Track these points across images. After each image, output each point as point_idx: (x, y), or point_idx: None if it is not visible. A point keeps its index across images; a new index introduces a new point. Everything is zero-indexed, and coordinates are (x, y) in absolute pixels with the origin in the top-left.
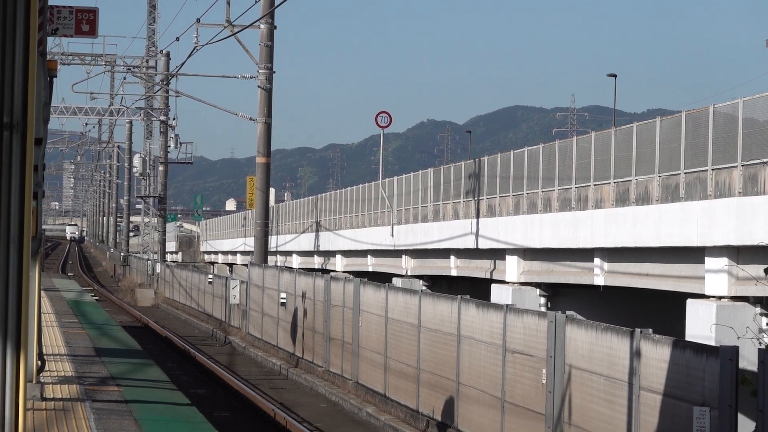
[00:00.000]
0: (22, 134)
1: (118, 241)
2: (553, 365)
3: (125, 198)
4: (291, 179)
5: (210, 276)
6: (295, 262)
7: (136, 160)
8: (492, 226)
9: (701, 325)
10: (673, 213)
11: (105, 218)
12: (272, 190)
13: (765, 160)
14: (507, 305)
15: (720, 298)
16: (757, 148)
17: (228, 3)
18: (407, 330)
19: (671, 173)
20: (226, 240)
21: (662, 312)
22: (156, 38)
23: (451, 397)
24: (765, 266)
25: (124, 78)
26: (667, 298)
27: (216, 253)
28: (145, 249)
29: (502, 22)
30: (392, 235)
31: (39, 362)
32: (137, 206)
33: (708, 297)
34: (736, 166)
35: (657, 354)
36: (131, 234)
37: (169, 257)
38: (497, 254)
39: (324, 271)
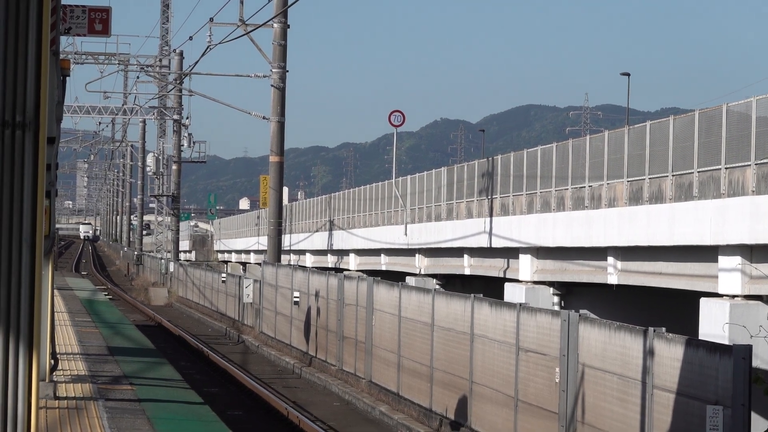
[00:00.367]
0: (35, 133)
1: (131, 240)
2: (567, 364)
3: (139, 197)
4: (304, 178)
5: (223, 275)
6: (309, 260)
7: (150, 159)
8: (505, 225)
9: (714, 323)
10: (687, 212)
11: (118, 217)
12: (285, 189)
13: None
14: (520, 304)
15: (733, 296)
16: None
17: (241, 2)
18: (420, 329)
19: (684, 172)
20: (240, 239)
21: (675, 311)
22: (169, 37)
23: (464, 396)
24: None
25: (138, 77)
26: (681, 297)
27: (229, 252)
28: (159, 248)
29: (516, 20)
30: (405, 234)
31: (52, 361)
32: (151, 205)
33: (721, 296)
34: (750, 165)
35: (670, 353)
36: (144, 233)
37: (182, 256)
38: (510, 253)
39: (337, 270)
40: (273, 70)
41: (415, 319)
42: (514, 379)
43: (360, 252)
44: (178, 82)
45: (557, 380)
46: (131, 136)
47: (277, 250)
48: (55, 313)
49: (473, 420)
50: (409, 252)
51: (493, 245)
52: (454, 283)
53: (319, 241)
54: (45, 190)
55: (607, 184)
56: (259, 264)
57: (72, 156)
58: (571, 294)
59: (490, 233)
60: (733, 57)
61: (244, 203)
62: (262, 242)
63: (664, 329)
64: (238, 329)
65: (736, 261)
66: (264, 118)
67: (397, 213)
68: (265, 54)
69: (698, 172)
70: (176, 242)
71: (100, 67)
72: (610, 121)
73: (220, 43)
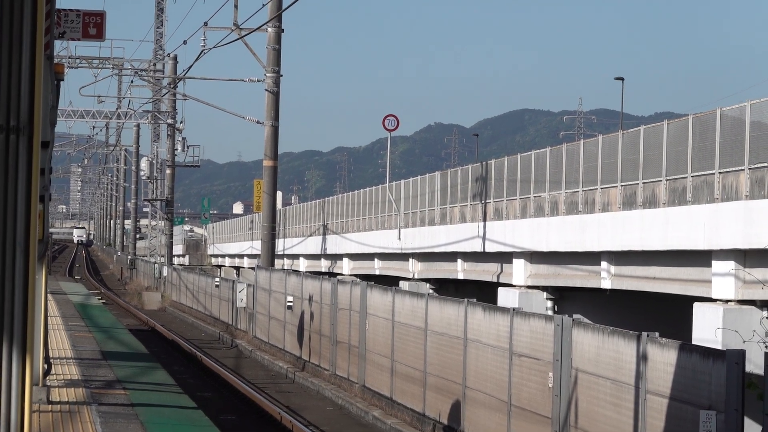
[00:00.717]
0: (29, 137)
1: (125, 244)
2: (560, 369)
3: (132, 201)
4: (298, 182)
5: (217, 279)
6: (302, 265)
7: (144, 164)
8: (499, 230)
9: (708, 328)
10: (680, 216)
11: (112, 221)
12: (279, 194)
13: None
14: (514, 309)
15: (727, 301)
16: (765, 152)
17: (235, 6)
18: (414, 333)
19: (678, 176)
20: (233, 243)
21: (669, 315)
22: (163, 41)
23: (457, 401)
24: None
25: (132, 81)
26: (674, 302)
27: (223, 256)
28: (152, 252)
29: (509, 25)
30: (399, 239)
31: (45, 365)
32: (144, 209)
33: (715, 300)
34: (744, 170)
35: (664, 357)
36: (137, 236)
37: (176, 260)
38: (504, 257)
39: (331, 275)
40: (267, 75)
41: (409, 324)
42: (508, 383)
43: (353, 256)
44: (172, 86)
45: (550, 385)
46: (125, 140)
47: (270, 255)
48: (49, 318)
49: (466, 425)
50: (403, 256)
51: (487, 250)
52: (447, 288)
53: (312, 245)
54: (39, 194)
55: (601, 188)
56: (253, 268)
57: (66, 160)
58: (564, 299)
59: (484, 238)
60: (727, 62)
61: (237, 207)
62: (256, 246)
63: (657, 334)
64: (232, 333)
65: (729, 266)
66: (258, 122)
67: (391, 217)
68: (259, 58)
69: (692, 176)
70: (170, 246)
71: (94, 72)
72: (604, 126)
73: (214, 47)
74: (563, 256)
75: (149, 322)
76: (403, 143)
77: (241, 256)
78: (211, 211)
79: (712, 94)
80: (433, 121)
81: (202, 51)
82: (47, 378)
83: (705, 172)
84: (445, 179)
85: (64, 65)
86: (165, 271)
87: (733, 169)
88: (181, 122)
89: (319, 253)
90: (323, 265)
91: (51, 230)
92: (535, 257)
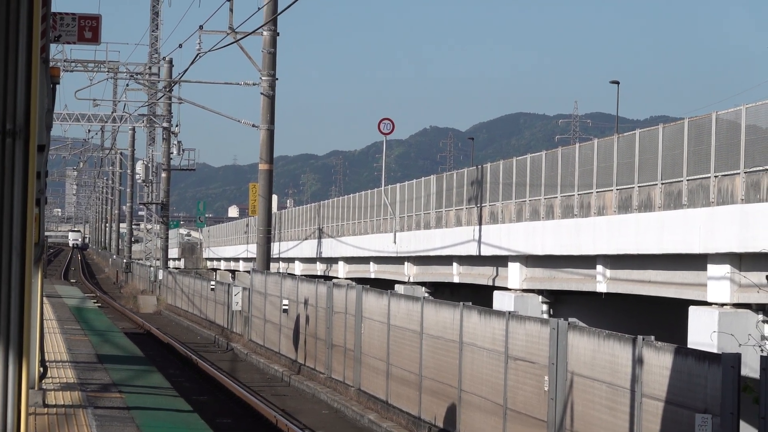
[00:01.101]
0: (25, 141)
1: (120, 247)
2: (555, 372)
3: (128, 205)
4: (294, 186)
5: (212, 283)
6: (298, 268)
7: (139, 167)
8: (494, 233)
9: (703, 332)
10: (676, 220)
11: (107, 225)
12: (275, 197)
13: (767, 167)
14: (509, 312)
15: (722, 305)
16: (760, 155)
17: (231, 10)
18: (409, 337)
19: (674, 180)
20: (229, 247)
21: (664, 319)
22: (159, 45)
23: (453, 404)
24: (767, 273)
25: (127, 85)
26: (670, 305)
27: (218, 259)
28: (148, 256)
29: (505, 28)
30: (395, 242)
31: (41, 369)
32: (140, 213)
33: (710, 304)
34: (739, 173)
35: (659, 361)
36: (133, 240)
37: (171, 264)
38: (500, 261)
39: (326, 278)
40: (262, 78)
41: (404, 327)
42: (503, 387)
43: (349, 260)
44: (167, 89)
45: (546, 388)
46: (120, 143)
47: (266, 258)
48: (44, 321)
49: (462, 428)
50: (398, 260)
51: (482, 253)
52: (443, 291)
53: (308, 249)
54: (35, 198)
55: (597, 192)
56: (248, 272)
57: (61, 163)
58: (560, 302)
59: (479, 241)
60: (725, 64)
61: (233, 211)
62: (251, 250)
63: (653, 337)
64: (227, 337)
65: (725, 269)
66: (253, 125)
67: (386, 221)
68: (254, 62)
69: (687, 180)
70: (165, 250)
71: (90, 75)
72: (599, 129)
73: (209, 50)
74: (559, 260)
75: (145, 325)
76: (399, 147)
77: (236, 260)
78: (206, 215)
79: (708, 98)
80: (429, 125)
81: (197, 54)
82: (43, 381)
83: (700, 176)
84: (440, 183)
85: (59, 69)
86: (160, 274)
87: (729, 172)
88: (177, 126)
89: (314, 256)
90: (319, 268)
91: (46, 234)
92: (530, 261)
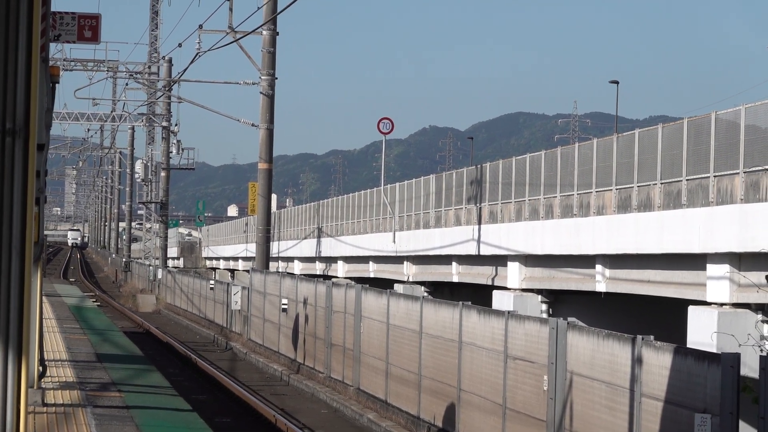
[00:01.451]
0: (25, 140)
1: (119, 246)
2: (555, 372)
3: (127, 204)
4: (293, 185)
5: (211, 282)
6: (297, 268)
7: (138, 166)
8: (494, 233)
9: (703, 332)
10: (675, 220)
11: (107, 224)
12: (274, 196)
13: (767, 166)
14: (508, 312)
15: (721, 305)
16: (759, 155)
17: (230, 9)
18: (409, 336)
19: (673, 180)
20: (228, 246)
21: (664, 319)
22: (158, 44)
23: (452, 404)
24: (767, 273)
25: (127, 84)
26: (669, 305)
27: (218, 258)
28: (147, 255)
29: (504, 28)
30: (394, 242)
31: (40, 368)
32: (139, 212)
33: (709, 304)
34: (738, 173)
35: (658, 361)
36: (132, 239)
37: (170, 263)
38: (499, 261)
39: (326, 277)
40: (262, 78)
41: (404, 327)
42: (503, 386)
43: (348, 259)
44: (166, 89)
45: (545, 388)
46: (120, 143)
47: (265, 257)
48: (44, 320)
49: (461, 428)
50: (398, 259)
51: (482, 253)
52: (442, 291)
53: (307, 248)
54: (34, 197)
55: (596, 192)
56: (248, 271)
57: (60, 162)
58: (559, 302)
59: (479, 241)
60: (723, 65)
61: (232, 210)
62: (251, 249)
63: (652, 337)
64: (226, 336)
65: (724, 269)
66: (253, 125)
67: (386, 220)
68: (254, 61)
69: (687, 180)
70: (164, 249)
71: (89, 74)
72: (598, 129)
73: (209, 50)
74: (558, 260)
75: (144, 324)
76: (398, 146)
77: (235, 259)
78: (205, 214)
79: (707, 97)
80: (428, 124)
81: (197, 54)
82: (42, 380)
83: (700, 176)
84: (439, 182)
85: (59, 68)
86: (160, 273)
87: (728, 172)
88: (176, 125)
89: (313, 255)
90: (318, 267)
91: (46, 233)
92: (530, 260)
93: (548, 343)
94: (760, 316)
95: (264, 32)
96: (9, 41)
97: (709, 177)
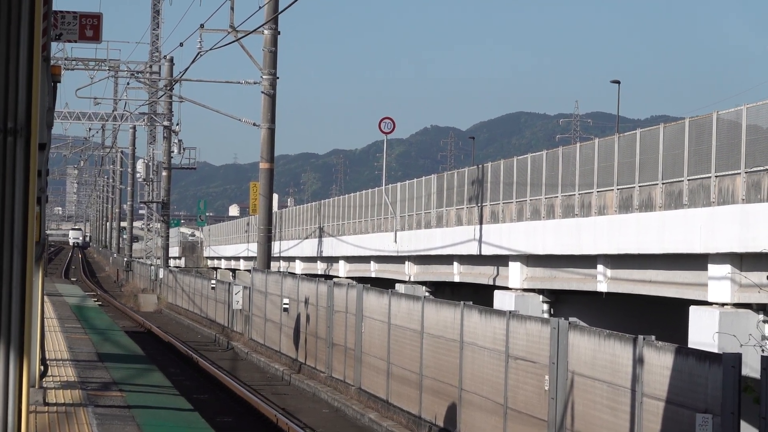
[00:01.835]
0: (26, 139)
1: (121, 246)
2: (556, 372)
3: (128, 203)
4: (294, 185)
5: (213, 281)
6: (298, 267)
7: (140, 166)
8: (495, 233)
9: (704, 332)
10: (677, 220)
11: (108, 223)
12: (275, 196)
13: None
14: (510, 312)
15: (723, 305)
16: (761, 155)
17: (232, 9)
18: (410, 336)
19: (674, 180)
20: (229, 245)
21: (665, 319)
22: (160, 44)
23: (453, 404)
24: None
25: (128, 83)
26: (670, 305)
27: (219, 258)
28: (148, 254)
29: (505, 28)
30: (395, 241)
31: (42, 367)
32: (140, 212)
33: (711, 304)
34: (740, 173)
35: (660, 361)
36: (133, 239)
37: (172, 263)
38: (500, 260)
39: (327, 277)
40: (263, 77)
41: (405, 327)
42: (504, 386)
43: (349, 259)
44: (168, 88)
45: (546, 388)
46: (121, 142)
47: (266, 257)
48: (45, 320)
49: (462, 427)
50: (399, 259)
51: (483, 253)
52: (443, 291)
53: (308, 248)
54: (36, 196)
55: (597, 191)
56: (249, 271)
57: (62, 162)
58: (560, 302)
59: (480, 241)
60: (724, 65)
61: (233, 210)
62: (252, 249)
63: (653, 337)
64: (228, 336)
65: (725, 269)
66: (254, 124)
67: (387, 220)
68: (255, 60)
69: (688, 180)
70: (166, 249)
71: (91, 73)
72: (600, 129)
73: (210, 49)
74: (559, 259)
75: (145, 324)
76: (400, 146)
77: (237, 259)
78: (207, 214)
79: (709, 97)
80: (430, 124)
81: (198, 53)
82: (44, 380)
83: (701, 176)
84: (441, 182)
85: (60, 67)
86: (161, 273)
87: (730, 172)
88: (177, 124)
89: (315, 255)
90: (319, 267)
91: (47, 232)
92: (531, 260)
93: (549, 343)
94: (761, 317)
95: (265, 31)
96: (10, 40)
97: (710, 177)
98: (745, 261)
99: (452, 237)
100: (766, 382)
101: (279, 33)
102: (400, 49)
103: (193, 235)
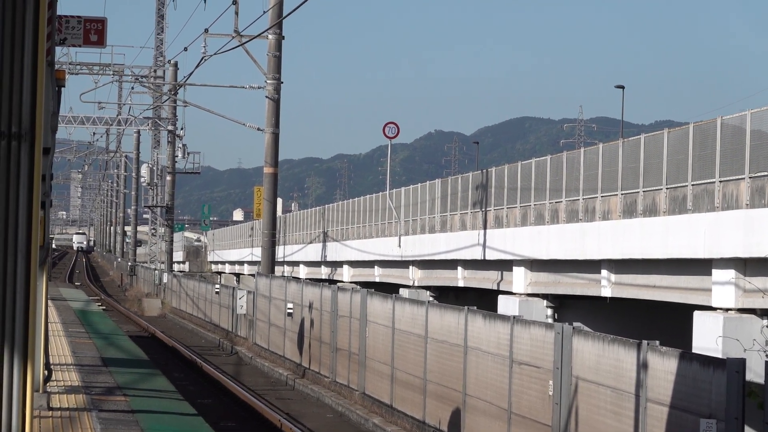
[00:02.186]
0: (30, 144)
1: (125, 250)
2: (560, 377)
3: (133, 208)
4: (298, 189)
5: (217, 286)
6: (302, 272)
7: (144, 170)
8: (499, 238)
9: (708, 337)
10: (681, 225)
11: (112, 228)
12: (279, 201)
13: None
14: (514, 317)
15: (727, 310)
16: (765, 161)
17: (236, 13)
18: (414, 341)
19: (679, 185)
20: (234, 250)
21: (669, 324)
22: (164, 48)
23: (457, 409)
24: None
25: (132, 88)
26: (674, 310)
27: (223, 263)
28: (152, 259)
29: (510, 33)
30: (399, 246)
31: (46, 372)
32: (144, 216)
33: (715, 309)
34: (744, 178)
35: (664, 366)
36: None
37: (176, 267)
38: (504, 265)
39: (331, 282)
40: (268, 82)
41: (409, 331)
42: (508, 391)
43: (353, 264)
44: (172, 92)
45: (551, 393)
46: (125, 146)
47: (270, 262)
48: (49, 324)
49: None
50: (403, 264)
51: (487, 257)
52: (447, 296)
53: (312, 252)
54: (40, 200)
55: (602, 197)
56: (253, 275)
57: (66, 166)
58: (564, 307)
59: (484, 245)
60: (728, 70)
61: (238, 214)
62: (256, 253)
63: (657, 342)
64: (232, 340)
65: (729, 274)
66: (258, 129)
67: (391, 225)
68: (259, 65)
69: (692, 185)
70: (170, 253)
71: (95, 78)
72: (604, 134)
73: (215, 54)
74: (563, 264)
75: (149, 328)
76: (404, 151)
77: (241, 263)
78: (211, 218)
79: (713, 102)
80: (434, 129)
81: (202, 58)
82: (48, 384)
83: (705, 181)
84: (445, 187)
85: (65, 71)
86: (165, 277)
87: (734, 177)
88: (182, 129)
89: (319, 260)
90: (323, 272)
91: (51, 236)
92: (535, 265)
93: (554, 348)
94: (765, 322)
95: (270, 36)
96: (15, 45)
97: (714, 182)
98: (749, 266)
99: (456, 242)
100: None
101: (283, 37)
102: (404, 54)
103: (198, 240)
